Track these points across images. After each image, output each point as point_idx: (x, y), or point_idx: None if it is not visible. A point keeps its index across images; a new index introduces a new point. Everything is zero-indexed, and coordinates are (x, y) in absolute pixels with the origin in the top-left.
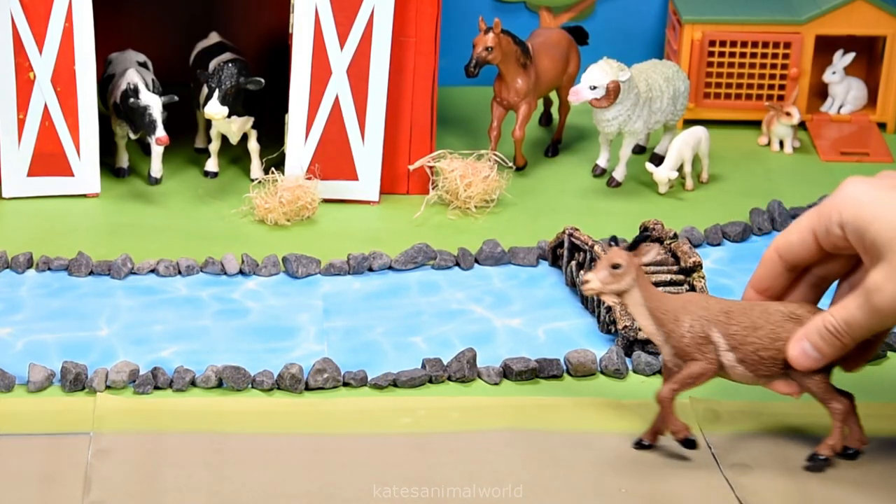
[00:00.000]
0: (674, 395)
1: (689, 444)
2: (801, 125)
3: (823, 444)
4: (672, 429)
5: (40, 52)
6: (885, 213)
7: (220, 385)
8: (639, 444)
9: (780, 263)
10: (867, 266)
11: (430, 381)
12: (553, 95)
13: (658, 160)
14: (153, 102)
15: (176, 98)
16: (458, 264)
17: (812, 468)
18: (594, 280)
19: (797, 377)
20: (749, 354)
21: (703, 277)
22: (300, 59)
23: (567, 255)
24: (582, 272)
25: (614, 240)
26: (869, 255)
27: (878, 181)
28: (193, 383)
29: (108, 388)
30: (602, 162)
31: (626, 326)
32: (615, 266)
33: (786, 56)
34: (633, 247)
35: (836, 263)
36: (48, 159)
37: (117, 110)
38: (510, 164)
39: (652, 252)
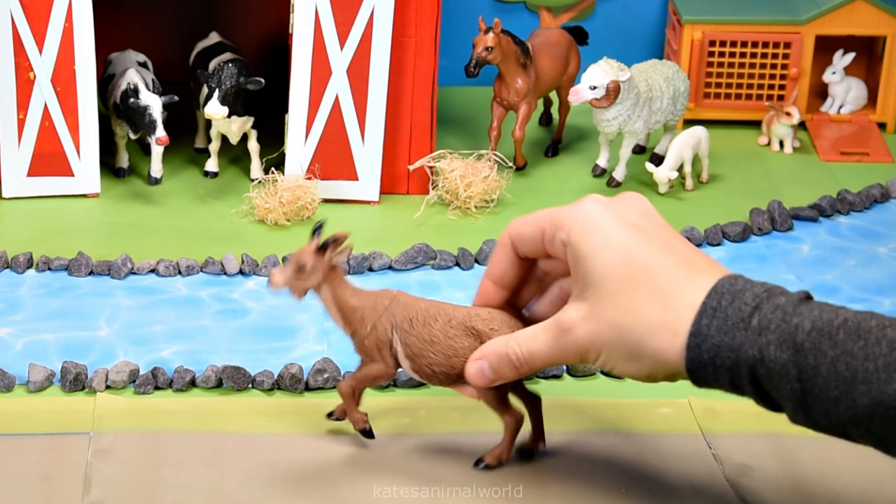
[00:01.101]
0: (352, 389)
1: (367, 434)
2: (801, 125)
3: (490, 452)
4: (351, 419)
5: (40, 52)
6: (606, 251)
7: (220, 385)
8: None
9: (511, 250)
10: (572, 294)
11: None
12: (553, 95)
13: (658, 160)
14: (153, 102)
15: (176, 98)
16: (458, 264)
17: (477, 469)
18: (278, 277)
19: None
20: (423, 367)
21: None
22: (300, 59)
23: None
24: None
25: (316, 232)
26: (577, 285)
27: (622, 211)
28: (193, 383)
29: (108, 388)
30: (602, 162)
31: None
32: (301, 266)
33: (786, 56)
34: (323, 248)
35: (560, 263)
36: (48, 159)
37: (117, 110)
38: (510, 164)
39: (344, 254)
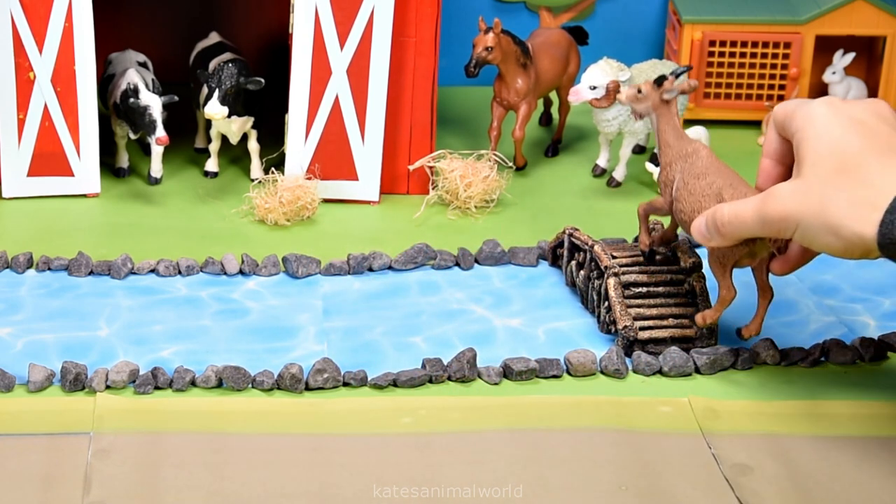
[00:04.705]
0: (644, 212)
1: (646, 256)
2: None
3: (704, 312)
4: (640, 238)
5: (40, 52)
6: (824, 140)
7: (220, 385)
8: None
9: (776, 129)
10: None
11: (430, 381)
12: (553, 95)
13: (658, 160)
14: (153, 102)
15: (176, 98)
16: (458, 264)
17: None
18: (623, 94)
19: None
20: (678, 212)
21: (702, 278)
22: (300, 59)
23: (567, 255)
24: (582, 272)
25: (675, 73)
26: (795, 168)
27: (849, 110)
28: (193, 383)
29: (108, 388)
30: (602, 162)
31: (626, 326)
32: (639, 90)
33: (786, 56)
34: (658, 82)
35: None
36: (48, 159)
37: (117, 110)
38: (510, 164)
39: (676, 88)
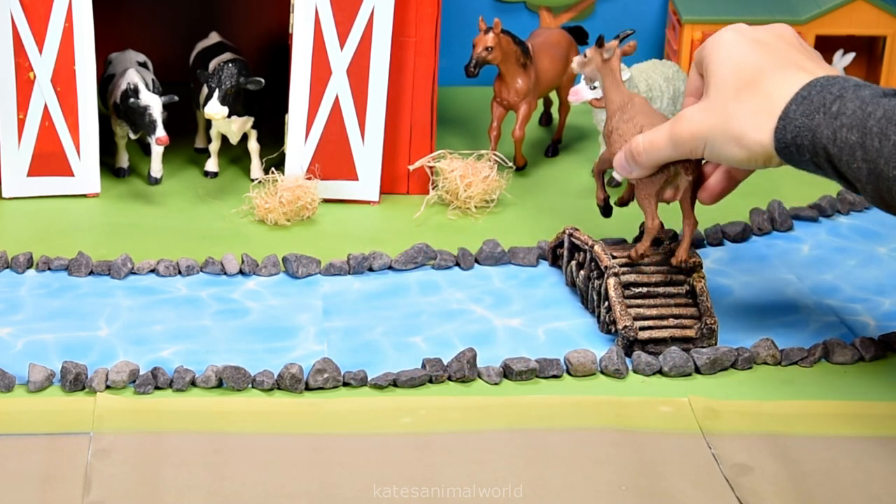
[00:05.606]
0: (598, 169)
1: (603, 210)
2: None
3: (633, 248)
4: (597, 195)
5: (40, 52)
6: (727, 56)
7: (220, 385)
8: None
9: (696, 68)
10: None
11: (430, 381)
12: (553, 95)
13: None
14: (153, 102)
15: (176, 98)
16: (458, 264)
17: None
18: (573, 62)
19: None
20: (611, 155)
21: (702, 277)
22: (300, 59)
23: (567, 255)
24: (582, 272)
25: (620, 37)
26: (704, 89)
27: (755, 33)
28: (193, 383)
29: (108, 388)
30: None
31: (626, 326)
32: (584, 55)
33: None
34: (599, 44)
35: None
36: (48, 159)
37: (117, 110)
38: (510, 164)
39: (613, 50)
